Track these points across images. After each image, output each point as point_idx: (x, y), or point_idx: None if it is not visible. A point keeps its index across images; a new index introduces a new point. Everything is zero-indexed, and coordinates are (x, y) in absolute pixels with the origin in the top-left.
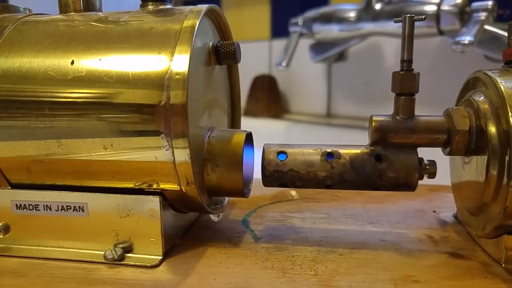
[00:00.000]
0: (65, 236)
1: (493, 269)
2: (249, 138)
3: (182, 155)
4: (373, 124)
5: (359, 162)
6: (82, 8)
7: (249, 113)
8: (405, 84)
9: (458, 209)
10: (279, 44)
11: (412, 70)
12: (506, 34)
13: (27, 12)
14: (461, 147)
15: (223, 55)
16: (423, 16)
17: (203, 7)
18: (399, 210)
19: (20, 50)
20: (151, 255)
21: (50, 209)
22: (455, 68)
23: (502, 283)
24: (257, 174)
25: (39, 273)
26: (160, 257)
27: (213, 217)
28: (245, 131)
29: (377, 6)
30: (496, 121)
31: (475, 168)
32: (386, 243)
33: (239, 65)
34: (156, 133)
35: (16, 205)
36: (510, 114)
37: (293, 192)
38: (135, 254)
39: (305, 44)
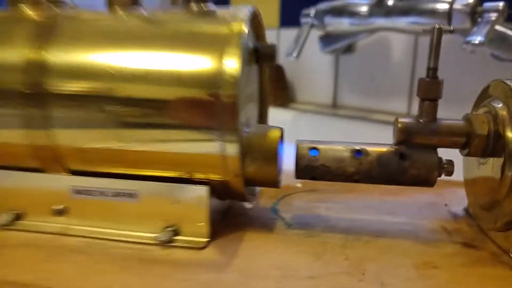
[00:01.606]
0: (118, 219)
1: (502, 258)
2: (282, 134)
3: (232, 149)
4: (399, 125)
5: (385, 159)
6: (128, 2)
7: None
8: (430, 90)
9: (469, 204)
10: (288, 33)
11: (437, 77)
12: None
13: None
14: (479, 150)
15: (262, 56)
16: (451, 28)
17: (247, 11)
18: (414, 203)
19: (80, 47)
20: (198, 237)
21: (105, 195)
22: (462, 65)
23: (510, 271)
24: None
25: (101, 251)
26: (207, 239)
27: (247, 205)
28: (279, 127)
29: (390, 2)
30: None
31: (490, 168)
32: (405, 232)
33: None
34: (209, 128)
35: (74, 190)
36: None
37: (298, 185)
38: (183, 236)
39: (314, 34)
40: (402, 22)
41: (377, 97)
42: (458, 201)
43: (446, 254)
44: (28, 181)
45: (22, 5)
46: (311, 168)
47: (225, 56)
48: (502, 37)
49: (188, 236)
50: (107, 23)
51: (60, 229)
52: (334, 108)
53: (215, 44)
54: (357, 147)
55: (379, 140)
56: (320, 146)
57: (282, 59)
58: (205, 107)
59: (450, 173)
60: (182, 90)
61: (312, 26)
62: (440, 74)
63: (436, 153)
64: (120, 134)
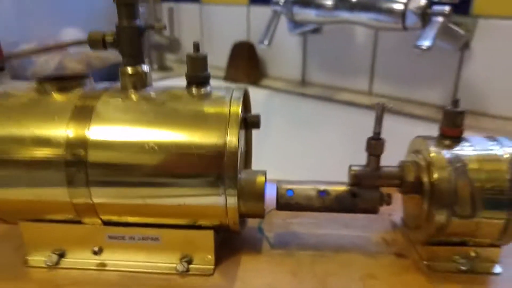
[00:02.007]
0: (144, 255)
1: (419, 265)
2: (265, 177)
3: (232, 201)
4: (352, 172)
5: (341, 197)
6: (141, 86)
7: (230, 79)
8: (375, 149)
9: (404, 217)
10: (257, 10)
11: (380, 139)
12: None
13: (91, 81)
14: (408, 191)
15: (250, 124)
16: (391, 106)
17: (240, 94)
18: (365, 216)
19: (112, 125)
20: (207, 265)
21: (134, 239)
22: (410, 53)
23: (422, 276)
24: None
25: (137, 283)
26: (213, 267)
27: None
28: (263, 172)
29: None
30: (428, 173)
31: (416, 202)
32: (357, 246)
33: (217, 31)
34: (216, 186)
35: (108, 236)
36: (434, 171)
37: None
38: (195, 265)
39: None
40: (363, 17)
41: (342, 76)
42: (398, 210)
43: (383, 265)
44: (70, 229)
45: (52, 92)
46: (289, 205)
47: (228, 133)
48: (445, 29)
49: (198, 265)
50: (131, 106)
51: (98, 265)
52: (303, 84)
53: (220, 124)
54: (322, 188)
55: (341, 121)
56: (294, 187)
57: (252, 35)
58: (214, 170)
59: (388, 204)
60: (198, 158)
61: (281, 13)
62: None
63: (378, 191)
64: (147, 192)
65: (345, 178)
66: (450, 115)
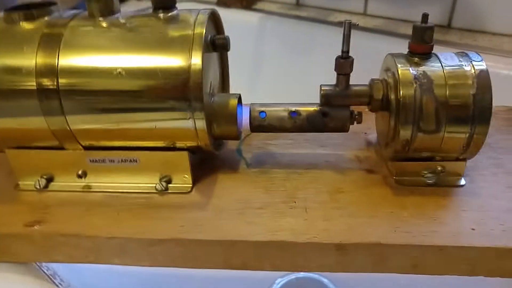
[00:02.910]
0: (125, 177)
1: (388, 180)
2: (239, 99)
3: (200, 124)
4: (322, 92)
5: (312, 117)
6: (108, 13)
7: (222, 3)
8: (344, 67)
9: (378, 138)
10: None
11: (349, 57)
12: None
13: (58, 9)
14: (376, 109)
15: (218, 46)
16: (357, 23)
17: (205, 15)
18: (341, 134)
19: (81, 53)
20: (185, 184)
21: (113, 162)
22: None
23: (389, 189)
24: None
25: (119, 202)
26: (191, 185)
27: (217, 153)
28: (236, 95)
29: None
30: (395, 91)
31: (385, 119)
32: (329, 163)
33: None
34: (183, 109)
35: (90, 160)
36: (400, 88)
37: None
38: (174, 184)
39: None
40: None
41: None
42: (374, 128)
43: (353, 180)
44: (54, 155)
45: (19, 22)
46: (261, 126)
47: (192, 54)
48: None
49: (177, 184)
50: (98, 33)
51: (84, 187)
52: (298, 6)
53: (184, 46)
54: (293, 109)
55: (335, 44)
56: (266, 109)
57: None
58: (180, 94)
59: (359, 122)
60: (164, 82)
61: None
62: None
63: (348, 110)
64: (119, 117)
65: None
66: (418, 31)
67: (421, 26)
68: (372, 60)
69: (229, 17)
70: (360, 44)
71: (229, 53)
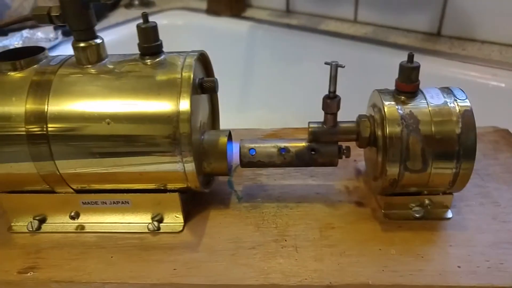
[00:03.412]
0: (118, 217)
1: (377, 213)
2: (229, 136)
3: (190, 167)
4: (310, 129)
5: (301, 154)
6: (95, 60)
7: (212, 11)
8: (331, 107)
9: (366, 169)
10: None
11: (336, 97)
12: None
13: (46, 55)
14: (365, 145)
15: (206, 89)
16: (343, 65)
17: (193, 59)
18: None
19: (70, 100)
20: (176, 223)
21: (106, 203)
22: None
23: (378, 224)
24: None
25: (112, 244)
26: (183, 224)
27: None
28: (226, 132)
29: None
30: (381, 128)
31: (373, 154)
32: (319, 195)
33: None
34: (172, 154)
35: (82, 202)
36: (387, 127)
37: None
38: (166, 223)
39: None
40: None
41: (326, 3)
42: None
43: (342, 214)
44: (46, 198)
45: (7, 71)
46: (251, 163)
47: (180, 99)
48: None
49: (168, 222)
50: (87, 81)
51: (77, 227)
52: (288, 13)
53: (172, 91)
54: (282, 145)
55: (325, 53)
56: (256, 146)
57: None
58: (169, 139)
59: (348, 156)
60: (153, 128)
61: None
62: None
63: (336, 145)
64: (109, 162)
65: None
66: (405, 71)
67: (407, 66)
68: (360, 70)
69: (219, 25)
70: (350, 54)
71: (219, 62)
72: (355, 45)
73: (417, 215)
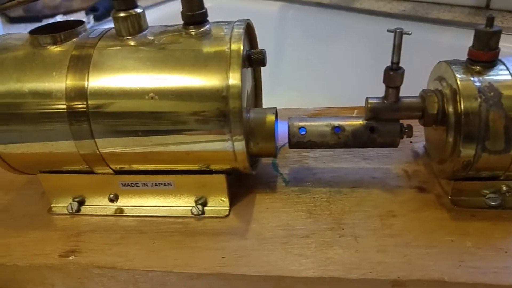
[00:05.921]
0: (159, 200)
1: (442, 200)
2: (276, 114)
3: (240, 146)
4: (369, 105)
5: (358, 133)
6: (136, 31)
7: None
8: (393, 80)
9: (427, 150)
10: None
11: (399, 69)
12: None
13: (85, 28)
14: (431, 123)
15: (254, 62)
16: (410, 32)
17: (241, 30)
18: None
19: (110, 74)
20: (222, 207)
21: (147, 186)
22: None
23: (446, 212)
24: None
25: (154, 229)
26: (228, 208)
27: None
28: (273, 110)
29: None
30: (454, 104)
31: (440, 133)
32: (376, 180)
33: None
34: (221, 132)
35: (121, 183)
36: (461, 102)
37: None
38: (210, 206)
39: None
40: None
41: None
42: (421, 136)
43: (403, 201)
44: (85, 179)
45: (47, 45)
46: (301, 143)
47: (230, 73)
48: None
49: (213, 206)
50: (127, 53)
51: (116, 211)
52: None
53: (221, 64)
54: (336, 124)
55: (360, 32)
56: (307, 124)
57: None
58: (218, 116)
59: (409, 136)
60: (199, 104)
61: None
62: None
63: (398, 124)
64: (151, 141)
65: (366, 95)
66: (483, 36)
67: (486, 31)
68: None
69: (249, 7)
70: (386, 32)
71: None
72: (393, 23)
73: (492, 203)
